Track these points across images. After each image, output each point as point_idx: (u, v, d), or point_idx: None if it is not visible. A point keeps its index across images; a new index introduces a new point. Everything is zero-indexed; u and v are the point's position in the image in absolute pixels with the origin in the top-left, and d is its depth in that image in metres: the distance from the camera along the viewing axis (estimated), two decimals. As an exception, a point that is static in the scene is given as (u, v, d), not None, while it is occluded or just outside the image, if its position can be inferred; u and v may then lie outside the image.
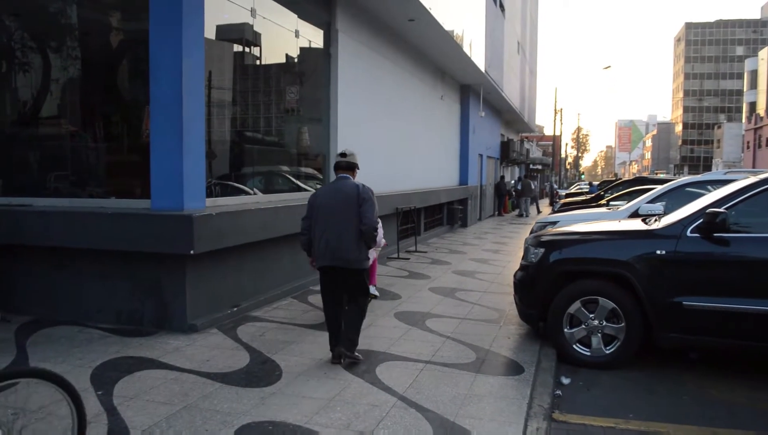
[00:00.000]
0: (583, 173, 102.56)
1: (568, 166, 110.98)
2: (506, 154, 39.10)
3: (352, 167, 7.70)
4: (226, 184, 10.50)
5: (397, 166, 17.83)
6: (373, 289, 10.64)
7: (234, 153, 10.99)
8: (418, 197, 19.06)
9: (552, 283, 7.89)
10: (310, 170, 13.52)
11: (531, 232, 12.75)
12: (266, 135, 12.37)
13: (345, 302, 7.64)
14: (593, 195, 23.37)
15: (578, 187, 53.63)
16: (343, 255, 7.27)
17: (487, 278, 13.30)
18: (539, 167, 61.03)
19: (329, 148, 13.56)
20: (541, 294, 8.04)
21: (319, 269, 7.44)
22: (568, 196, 35.37)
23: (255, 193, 11.05)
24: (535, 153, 63.51)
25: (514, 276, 8.86)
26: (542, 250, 8.22)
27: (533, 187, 38.46)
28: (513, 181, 44.13)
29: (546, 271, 8.00)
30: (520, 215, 35.55)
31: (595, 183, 47.37)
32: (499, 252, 17.97)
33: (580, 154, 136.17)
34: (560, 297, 7.84)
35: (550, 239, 8.34)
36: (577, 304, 7.79)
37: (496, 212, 36.15)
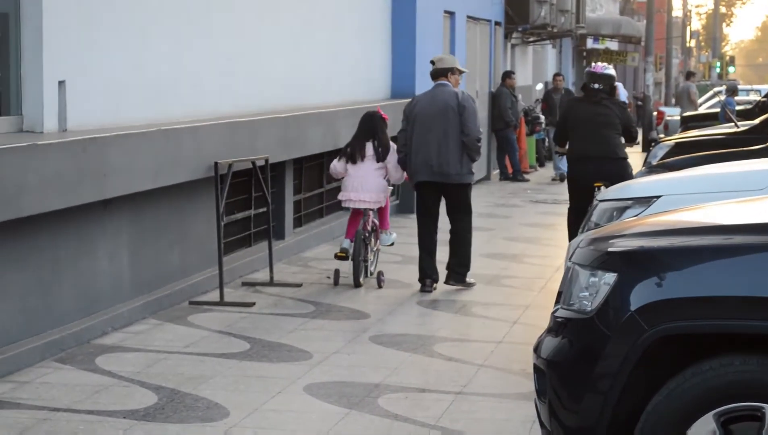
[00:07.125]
0: (731, 63, 49.97)
1: (691, 47, 55.30)
2: (523, 12, 18.91)
3: (445, 72, 7.98)
4: None
5: (210, 49, 8.37)
6: (389, 238, 8.92)
7: None
8: (273, 132, 9.01)
9: (638, 365, 3.89)
10: None
11: (584, 228, 6.60)
12: None
13: (451, 224, 8.15)
14: (754, 125, 11.38)
15: (719, 98, 20.96)
16: (443, 169, 7.76)
17: (469, 356, 6.45)
18: (614, 45, 29.87)
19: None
20: (609, 396, 3.94)
21: (416, 186, 7.97)
22: (688, 124, 17.20)
23: None
24: (603, 8, 31.57)
25: (536, 350, 4.23)
26: (612, 277, 4.01)
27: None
28: (540, 87, 21.86)
29: (622, 334, 3.91)
30: None
31: (744, 89, 22.67)
32: (503, 282, 8.96)
33: (727, 18, 67.76)
34: (661, 406, 3.86)
35: (633, 250, 4.12)
36: (706, 425, 3.82)
37: (500, 171, 18.07)
